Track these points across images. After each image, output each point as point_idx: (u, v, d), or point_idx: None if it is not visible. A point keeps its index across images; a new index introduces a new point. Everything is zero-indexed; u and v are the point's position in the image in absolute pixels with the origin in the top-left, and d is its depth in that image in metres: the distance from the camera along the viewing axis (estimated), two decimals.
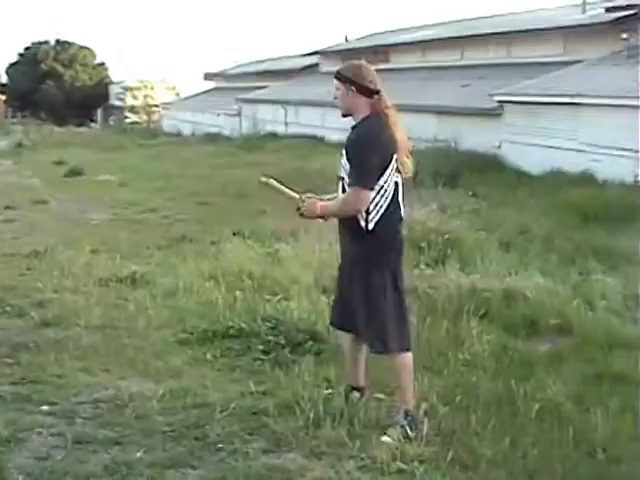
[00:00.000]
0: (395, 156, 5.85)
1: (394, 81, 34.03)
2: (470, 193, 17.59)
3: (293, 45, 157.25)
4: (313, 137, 34.76)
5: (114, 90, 79.49)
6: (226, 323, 8.28)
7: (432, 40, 37.46)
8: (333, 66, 24.95)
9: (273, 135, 39.56)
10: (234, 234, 13.60)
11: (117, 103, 76.73)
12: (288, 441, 5.68)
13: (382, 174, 5.78)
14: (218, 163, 29.21)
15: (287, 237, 12.51)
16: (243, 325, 8.12)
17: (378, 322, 5.92)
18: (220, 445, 5.64)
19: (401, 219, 6.03)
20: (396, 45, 41.26)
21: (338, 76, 5.99)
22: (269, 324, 8.01)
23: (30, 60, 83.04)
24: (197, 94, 66.83)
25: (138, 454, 5.46)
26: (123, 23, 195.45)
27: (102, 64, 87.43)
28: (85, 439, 5.71)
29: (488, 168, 22.00)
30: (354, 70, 5.97)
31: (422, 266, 10.15)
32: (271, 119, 42.72)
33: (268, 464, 5.34)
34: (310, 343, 7.57)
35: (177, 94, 74.82)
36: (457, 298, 8.83)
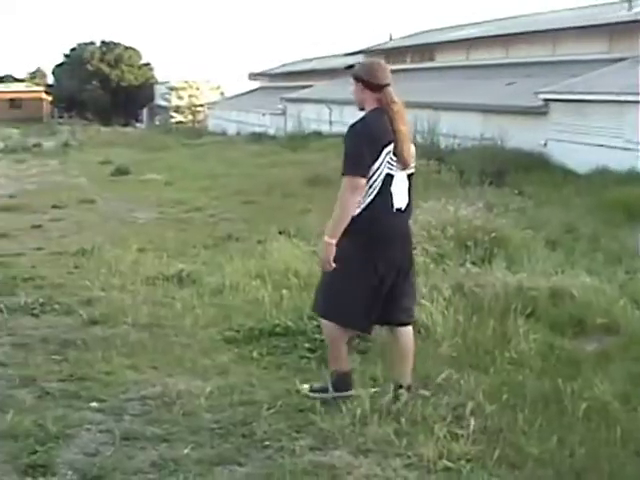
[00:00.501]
0: (388, 149, 5.99)
1: (439, 80, 33.98)
2: (516, 191, 17.51)
3: (338, 44, 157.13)
4: None
5: (159, 90, 79.89)
6: (272, 321, 8.31)
7: (477, 38, 37.33)
8: None
9: (318, 134, 39.58)
10: (280, 233, 13.62)
11: (162, 103, 77.08)
12: (334, 438, 5.69)
13: (371, 165, 5.95)
14: (263, 162, 29.26)
15: None
16: (289, 323, 8.15)
17: (326, 285, 6.23)
18: (267, 442, 5.65)
19: (397, 211, 6.11)
20: (441, 44, 41.22)
21: (352, 74, 6.31)
22: (315, 322, 8.01)
23: (76, 61, 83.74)
24: (242, 94, 67.15)
25: (185, 451, 5.48)
26: (168, 23, 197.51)
27: (147, 64, 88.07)
28: (133, 435, 5.76)
29: (534, 166, 21.89)
30: (364, 67, 6.37)
31: (468, 264, 10.11)
32: (316, 118, 42.76)
33: (314, 461, 5.35)
34: (356, 341, 7.54)
35: (222, 94, 75.08)
36: (504, 297, 8.77)
